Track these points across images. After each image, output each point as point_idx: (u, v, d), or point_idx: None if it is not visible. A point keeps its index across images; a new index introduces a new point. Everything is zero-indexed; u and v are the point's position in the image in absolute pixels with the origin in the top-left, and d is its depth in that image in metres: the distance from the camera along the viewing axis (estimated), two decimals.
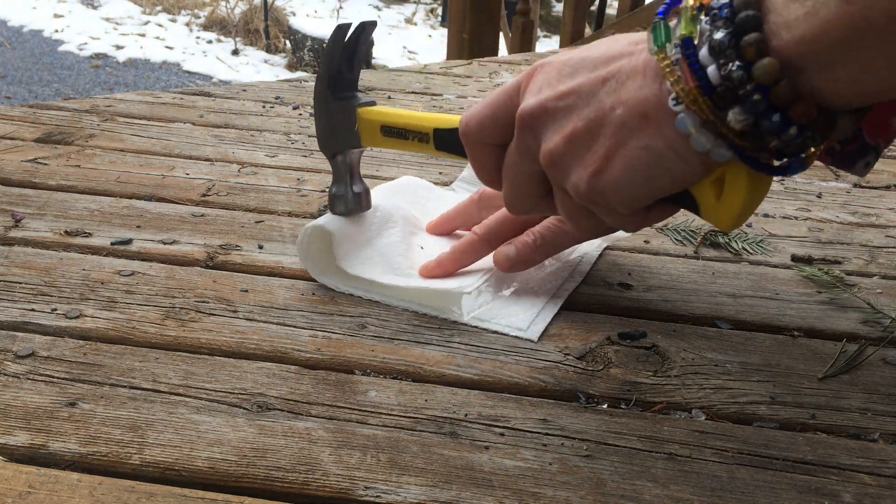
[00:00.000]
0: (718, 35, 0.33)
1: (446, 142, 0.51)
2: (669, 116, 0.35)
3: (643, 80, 0.37)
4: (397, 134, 0.54)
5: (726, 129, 0.34)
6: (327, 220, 0.57)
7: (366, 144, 0.56)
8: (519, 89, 0.43)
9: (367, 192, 0.59)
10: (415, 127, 0.53)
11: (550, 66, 0.42)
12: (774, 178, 0.84)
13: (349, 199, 0.57)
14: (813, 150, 0.36)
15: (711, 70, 0.33)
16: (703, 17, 0.34)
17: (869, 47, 0.30)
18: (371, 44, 0.55)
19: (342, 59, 0.55)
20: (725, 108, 0.33)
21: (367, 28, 0.54)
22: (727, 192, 0.38)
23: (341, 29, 0.54)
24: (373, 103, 0.56)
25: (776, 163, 0.36)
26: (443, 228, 0.64)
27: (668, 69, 0.35)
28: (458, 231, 0.64)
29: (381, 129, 0.54)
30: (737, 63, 0.32)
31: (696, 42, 0.34)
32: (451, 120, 0.51)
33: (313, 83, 1.09)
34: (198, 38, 5.18)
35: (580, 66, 0.40)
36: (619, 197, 0.39)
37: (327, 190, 0.74)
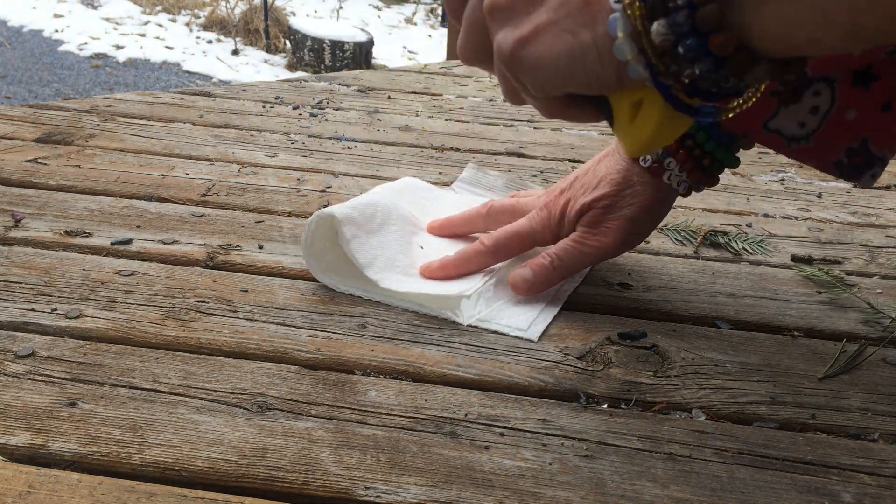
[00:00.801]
0: None
1: None
2: (606, 12, 0.35)
3: None
4: None
5: (648, 44, 0.34)
6: (334, 208, 0.57)
7: None
8: None
9: None
10: None
11: None
12: (772, 178, 0.84)
13: None
14: (729, 104, 0.36)
15: None
16: None
17: None
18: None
19: None
20: (653, 20, 0.33)
21: None
22: (640, 118, 0.38)
23: None
24: None
25: (688, 100, 0.36)
26: (445, 232, 0.64)
27: None
28: (458, 235, 0.64)
29: None
30: None
31: None
32: None
33: (313, 83, 1.09)
34: (198, 38, 5.18)
35: None
36: (533, 73, 0.39)
37: (325, 191, 0.74)
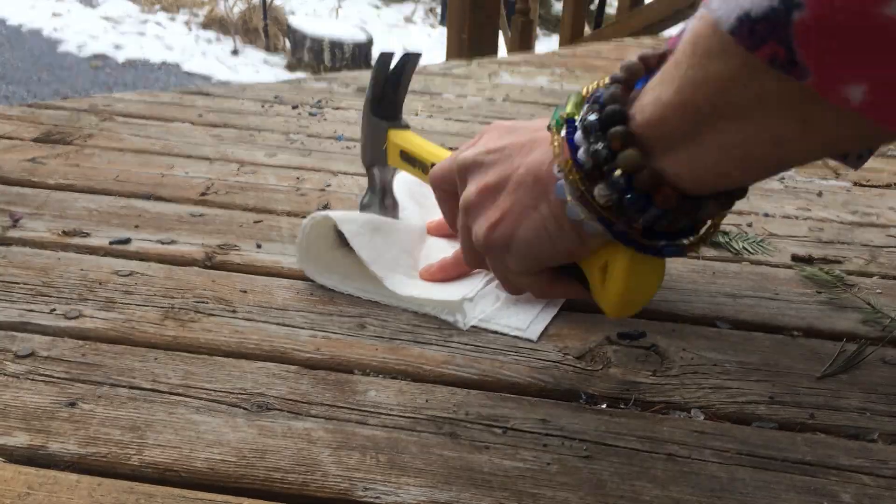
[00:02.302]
0: (590, 118, 0.36)
1: None
2: (554, 181, 0.39)
3: (545, 147, 0.40)
4: (410, 160, 0.58)
5: (595, 203, 0.37)
6: (329, 212, 0.57)
7: (391, 164, 0.61)
8: (471, 146, 0.47)
9: (395, 204, 0.64)
10: (420, 158, 0.57)
11: (497, 127, 0.46)
12: (775, 177, 0.84)
13: (377, 207, 0.63)
14: (690, 240, 0.38)
15: (581, 151, 0.37)
16: (584, 104, 0.38)
17: (700, 133, 0.32)
18: (413, 73, 0.61)
19: (387, 82, 0.60)
20: (593, 183, 0.36)
21: (411, 59, 0.60)
22: (608, 278, 0.40)
23: (384, 56, 0.59)
24: (406, 127, 0.61)
25: (649, 243, 0.38)
26: (444, 231, 0.64)
27: (556, 141, 0.38)
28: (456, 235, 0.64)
29: (400, 153, 0.59)
30: (601, 144, 0.35)
31: (576, 123, 0.38)
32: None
33: (312, 83, 1.09)
34: (197, 37, 5.17)
35: (516, 131, 0.44)
36: (507, 252, 0.43)
37: (324, 190, 0.74)
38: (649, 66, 0.36)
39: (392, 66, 0.60)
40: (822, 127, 0.28)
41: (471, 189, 0.44)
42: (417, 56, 0.60)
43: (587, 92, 0.39)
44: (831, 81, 0.25)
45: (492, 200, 0.42)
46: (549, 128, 0.40)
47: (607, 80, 0.37)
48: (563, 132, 0.38)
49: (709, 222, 0.38)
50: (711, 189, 0.35)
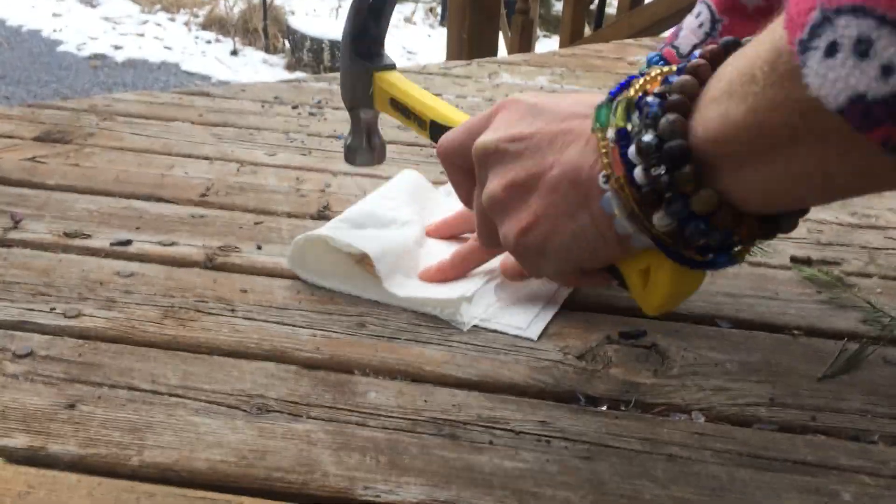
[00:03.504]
0: (646, 137, 0.32)
1: (440, 136, 0.51)
2: (598, 192, 0.35)
3: (584, 147, 0.36)
4: (402, 110, 0.54)
5: (651, 226, 0.34)
6: (321, 231, 0.57)
7: (378, 108, 0.57)
8: (489, 120, 0.43)
9: (383, 145, 0.60)
10: (416, 111, 0.53)
11: (518, 104, 0.41)
12: None
13: (364, 150, 0.59)
14: (744, 248, 0.36)
15: (638, 171, 0.33)
16: (635, 112, 0.34)
17: (771, 154, 0.29)
18: (393, 8, 0.57)
19: (368, 16, 0.55)
20: (650, 208, 0.33)
21: None
22: (651, 285, 0.38)
23: None
24: (392, 67, 0.56)
25: (701, 258, 0.36)
26: (443, 233, 0.64)
27: (604, 148, 0.35)
28: (455, 236, 0.64)
29: (390, 101, 0.55)
30: (662, 169, 0.32)
31: (630, 134, 0.34)
32: (450, 117, 0.51)
33: (312, 83, 1.09)
34: (196, 37, 5.17)
35: (542, 114, 0.40)
36: (541, 258, 0.40)
37: (324, 191, 0.74)
38: (703, 78, 0.33)
39: (371, 2, 0.55)
40: None
41: (495, 184, 0.40)
42: None
43: (633, 95, 0.35)
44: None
45: (521, 200, 0.39)
46: (593, 130, 0.36)
47: (657, 90, 0.34)
48: (612, 138, 0.34)
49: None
50: (781, 209, 0.33)
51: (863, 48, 0.24)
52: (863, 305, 0.58)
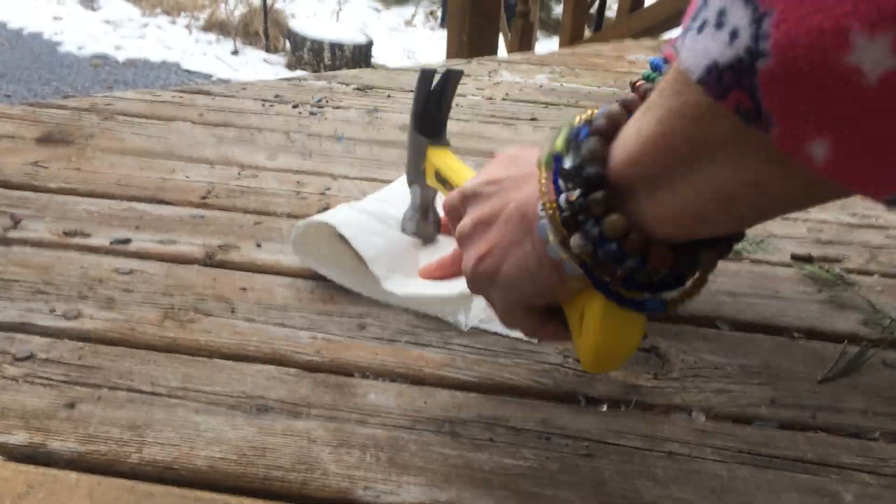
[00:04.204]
0: (567, 163, 0.34)
1: None
2: (538, 219, 0.37)
3: (535, 183, 0.38)
4: (443, 182, 0.57)
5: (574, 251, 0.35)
6: (324, 216, 0.57)
7: (428, 182, 0.60)
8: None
9: (437, 221, 0.63)
10: (451, 181, 0.56)
11: (504, 156, 0.45)
12: None
13: (418, 224, 0.62)
14: (678, 296, 0.36)
15: (563, 196, 0.35)
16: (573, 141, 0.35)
17: (676, 171, 0.30)
18: (455, 90, 0.61)
19: (429, 99, 0.60)
20: (571, 231, 0.35)
21: (453, 75, 0.59)
22: (585, 324, 0.38)
23: (426, 73, 0.59)
24: (447, 145, 0.59)
25: (629, 294, 0.36)
26: (446, 230, 0.64)
27: (543, 179, 0.36)
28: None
29: (435, 174, 0.58)
30: (577, 192, 0.34)
31: (562, 160, 0.36)
32: None
33: (313, 82, 1.09)
34: (197, 40, 5.17)
35: (518, 161, 0.43)
36: (493, 286, 0.42)
37: (324, 193, 0.74)
38: (631, 110, 0.34)
39: (434, 82, 0.59)
40: (800, 171, 0.26)
41: (467, 220, 0.44)
42: (460, 73, 0.60)
43: (580, 122, 0.36)
44: (795, 136, 0.24)
45: (483, 233, 0.42)
46: (537, 164, 0.37)
47: (589, 118, 0.35)
48: (549, 170, 0.36)
49: (696, 274, 0.36)
50: (695, 236, 0.33)
51: (720, 19, 0.25)
52: (863, 306, 0.58)
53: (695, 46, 0.26)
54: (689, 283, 0.36)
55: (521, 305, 0.42)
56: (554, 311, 0.41)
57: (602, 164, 0.33)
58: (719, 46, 0.25)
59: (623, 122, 0.33)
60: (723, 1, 0.25)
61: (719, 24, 0.25)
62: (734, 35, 0.24)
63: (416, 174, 0.61)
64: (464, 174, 0.55)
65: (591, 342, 0.37)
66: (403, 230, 0.62)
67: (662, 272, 0.34)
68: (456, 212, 0.47)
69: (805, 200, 0.30)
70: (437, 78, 0.59)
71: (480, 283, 0.43)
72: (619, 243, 0.33)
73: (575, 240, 0.34)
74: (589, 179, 0.33)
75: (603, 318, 0.36)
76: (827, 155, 0.23)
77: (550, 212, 0.35)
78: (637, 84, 0.34)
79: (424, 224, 0.62)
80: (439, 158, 0.58)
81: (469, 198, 0.44)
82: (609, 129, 0.34)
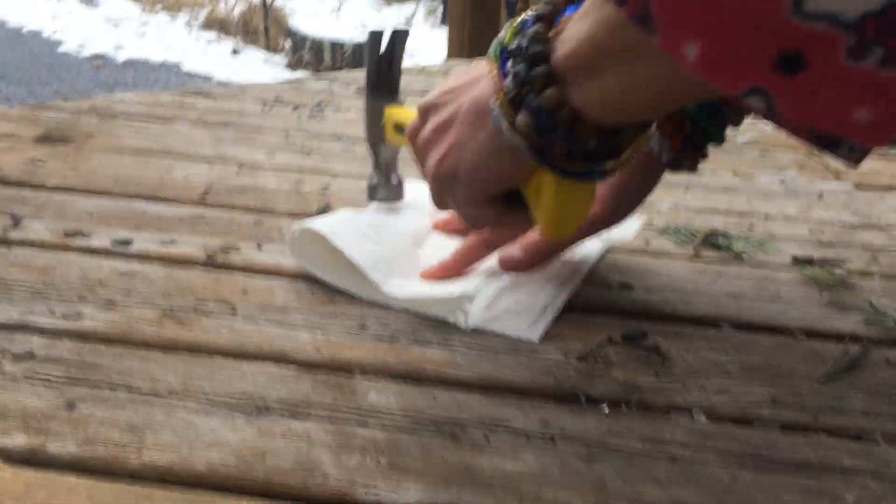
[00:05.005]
0: (513, 45, 0.39)
1: None
2: (490, 112, 0.41)
3: (486, 81, 0.42)
4: (401, 130, 0.58)
5: (520, 128, 0.39)
6: (315, 223, 0.57)
7: (388, 139, 0.62)
8: None
9: (400, 183, 0.65)
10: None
11: (457, 69, 0.49)
12: (773, 179, 0.84)
13: (382, 187, 0.64)
14: (615, 161, 0.41)
15: (508, 78, 0.39)
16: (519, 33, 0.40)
17: (603, 69, 0.35)
18: (404, 50, 0.64)
19: (381, 61, 0.62)
20: (517, 111, 0.39)
21: (400, 35, 0.62)
22: (541, 198, 0.43)
23: (375, 35, 0.62)
24: (401, 103, 0.62)
25: (572, 167, 0.40)
26: (450, 227, 0.64)
27: (492, 71, 0.41)
28: (461, 231, 0.64)
29: (394, 127, 0.60)
30: (521, 66, 0.38)
31: (508, 49, 0.40)
32: None
33: (312, 83, 1.09)
34: (197, 38, 5.17)
35: (470, 70, 0.46)
36: (454, 182, 0.45)
37: (325, 192, 0.74)
38: None
39: (383, 45, 0.62)
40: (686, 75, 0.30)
41: (426, 129, 0.46)
42: (406, 33, 0.62)
43: (523, 17, 0.40)
44: (673, 39, 0.29)
45: (442, 137, 0.45)
46: (487, 59, 0.42)
47: (534, 11, 0.40)
48: (497, 61, 0.40)
49: (626, 151, 0.41)
50: (619, 121, 0.38)
51: None
52: (864, 307, 0.58)
53: None
54: (623, 155, 0.41)
55: (483, 195, 0.45)
56: (513, 200, 0.45)
57: (544, 44, 0.38)
58: None
59: (560, 8, 0.39)
60: None
61: None
62: None
63: (376, 136, 0.63)
64: None
65: (547, 211, 0.43)
66: (371, 198, 0.65)
67: (592, 143, 0.39)
68: (417, 131, 0.49)
69: (692, 94, 0.37)
70: (385, 39, 0.62)
71: (443, 184, 0.46)
72: (552, 115, 0.38)
73: (520, 117, 0.39)
74: (533, 56, 0.38)
75: (555, 189, 0.42)
76: (696, 56, 0.28)
77: (500, 99, 0.40)
78: None
79: (388, 186, 0.64)
80: (397, 114, 0.60)
81: (427, 109, 0.47)
82: (550, 14, 0.39)
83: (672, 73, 0.32)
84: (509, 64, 0.39)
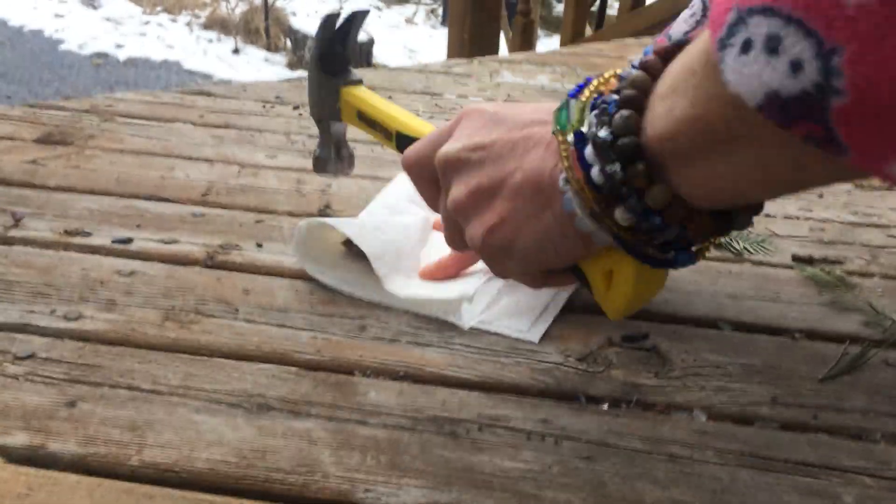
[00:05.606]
0: (602, 133, 0.34)
1: (406, 147, 0.51)
2: (559, 194, 0.37)
3: (545, 152, 0.38)
4: (369, 122, 0.56)
5: (611, 223, 0.35)
6: (325, 219, 0.57)
7: (346, 121, 0.60)
8: (451, 131, 0.44)
9: (352, 156, 0.64)
10: (382, 123, 0.54)
11: (478, 114, 0.42)
12: None
13: (333, 160, 0.62)
14: (704, 245, 0.37)
15: (595, 171, 0.34)
16: (590, 111, 0.35)
17: (712, 150, 0.30)
18: (360, 30, 0.61)
19: (335, 39, 0.59)
20: (609, 206, 0.35)
21: (359, 15, 0.59)
22: (614, 287, 0.39)
23: (331, 17, 0.59)
24: (358, 83, 0.59)
25: (661, 256, 0.37)
26: (440, 227, 0.64)
27: (564, 151, 0.36)
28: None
29: (357, 114, 0.57)
30: (617, 166, 0.33)
31: (585, 136, 0.35)
32: (415, 128, 0.52)
33: None
34: (198, 38, 5.17)
35: (502, 122, 0.41)
36: (508, 258, 0.41)
37: (325, 191, 0.74)
38: (654, 74, 0.34)
39: (339, 24, 0.60)
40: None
41: (460, 190, 0.42)
42: (365, 12, 0.60)
43: (589, 96, 0.36)
44: (873, 160, 0.25)
45: (486, 204, 0.41)
46: (553, 133, 0.37)
47: (613, 88, 0.35)
48: (571, 141, 0.36)
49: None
50: (728, 205, 0.34)
51: (772, 45, 0.25)
52: (864, 308, 0.58)
53: (744, 70, 0.26)
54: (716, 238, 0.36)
55: (536, 270, 0.42)
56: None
57: (636, 134, 0.33)
58: (779, 77, 0.25)
59: (649, 89, 0.33)
60: (769, 25, 0.25)
61: (772, 51, 0.25)
62: (796, 67, 0.24)
63: (327, 112, 0.61)
64: (400, 115, 0.54)
65: (623, 298, 0.39)
66: (318, 171, 0.64)
67: (698, 235, 0.35)
68: (426, 169, 0.45)
69: (842, 178, 0.31)
70: (340, 21, 0.59)
71: (493, 254, 0.42)
72: (661, 214, 0.33)
73: (619, 213, 0.34)
74: (625, 151, 0.33)
75: (635, 277, 0.38)
76: None
77: (578, 187, 0.35)
78: (655, 51, 0.34)
79: (340, 159, 0.63)
80: (359, 99, 0.57)
81: (452, 164, 0.42)
82: (639, 99, 0.33)
83: (827, 158, 0.27)
84: (589, 151, 0.34)
